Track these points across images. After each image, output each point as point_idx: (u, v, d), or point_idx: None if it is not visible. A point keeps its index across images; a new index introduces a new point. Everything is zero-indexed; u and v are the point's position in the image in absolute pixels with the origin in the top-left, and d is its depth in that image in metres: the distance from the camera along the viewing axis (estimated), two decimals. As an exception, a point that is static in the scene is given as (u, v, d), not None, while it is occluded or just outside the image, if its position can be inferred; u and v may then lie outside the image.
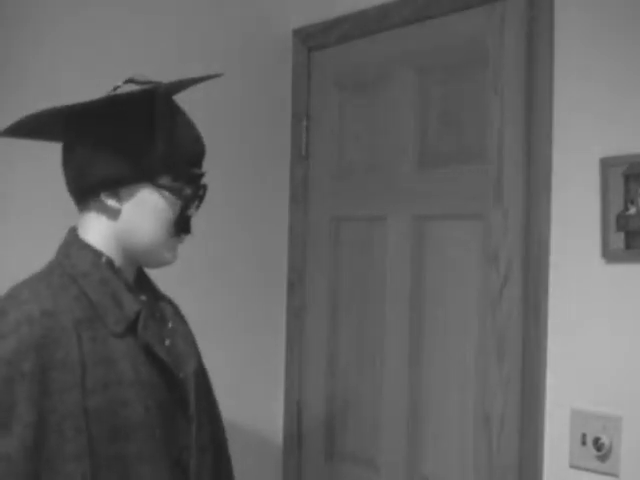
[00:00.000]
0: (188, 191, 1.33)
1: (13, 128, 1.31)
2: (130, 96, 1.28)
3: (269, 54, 2.42)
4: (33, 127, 1.33)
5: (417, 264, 2.07)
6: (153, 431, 1.25)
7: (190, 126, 1.34)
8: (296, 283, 2.43)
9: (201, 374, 1.45)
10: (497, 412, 1.85)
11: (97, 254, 1.30)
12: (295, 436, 2.41)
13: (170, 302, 1.44)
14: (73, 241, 1.32)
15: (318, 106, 2.39)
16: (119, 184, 1.28)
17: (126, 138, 1.27)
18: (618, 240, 1.65)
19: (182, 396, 1.33)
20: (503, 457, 1.84)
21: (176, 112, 1.34)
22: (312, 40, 2.40)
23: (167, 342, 1.35)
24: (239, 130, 2.33)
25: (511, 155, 1.85)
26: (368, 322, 2.21)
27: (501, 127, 1.87)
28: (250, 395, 2.35)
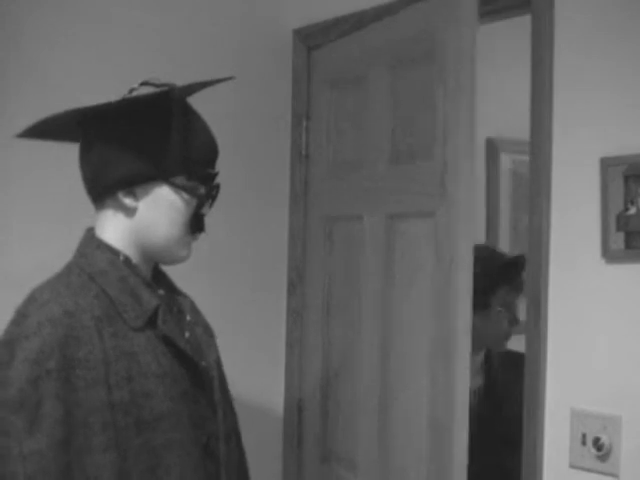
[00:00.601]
0: (202, 190, 1.37)
1: (32, 129, 1.34)
2: (148, 98, 1.31)
3: (269, 54, 2.42)
4: (51, 128, 1.36)
5: (386, 264, 2.04)
6: (179, 420, 1.29)
7: (205, 128, 1.38)
8: (296, 283, 2.43)
9: (220, 365, 1.50)
10: (443, 413, 1.80)
11: (114, 252, 1.33)
12: (295, 436, 2.41)
13: (186, 297, 1.48)
14: (89, 241, 1.35)
15: (318, 106, 2.40)
16: (135, 183, 1.31)
17: (143, 138, 1.31)
18: (618, 240, 1.65)
19: (205, 385, 1.37)
20: (455, 459, 1.78)
21: (191, 114, 1.37)
22: (312, 40, 2.40)
23: (187, 334, 1.39)
24: (239, 130, 2.33)
25: (455, 152, 1.79)
26: (351, 323, 2.19)
27: (446, 123, 1.82)
28: (250, 394, 2.35)
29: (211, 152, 1.38)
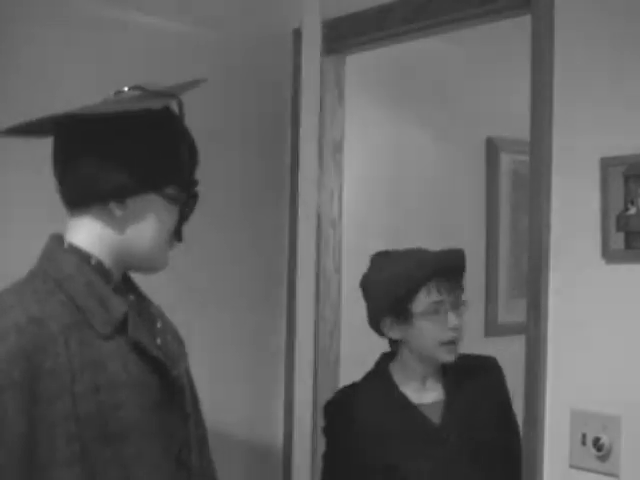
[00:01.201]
0: (187, 200, 1.34)
1: (13, 129, 1.31)
2: (151, 111, 1.26)
3: (269, 54, 2.42)
4: (35, 129, 1.33)
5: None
6: (150, 430, 1.25)
7: (189, 134, 1.35)
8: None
9: (189, 373, 1.45)
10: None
11: (83, 256, 1.29)
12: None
13: (152, 302, 1.44)
14: (57, 245, 1.31)
15: (317, 106, 2.39)
16: (129, 194, 1.27)
17: (138, 147, 1.27)
18: (618, 240, 1.65)
19: (176, 394, 1.33)
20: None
21: (181, 123, 1.34)
22: (312, 40, 2.39)
23: (158, 341, 1.35)
24: (239, 130, 2.33)
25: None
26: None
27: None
28: (250, 396, 2.34)
29: (196, 160, 1.36)
